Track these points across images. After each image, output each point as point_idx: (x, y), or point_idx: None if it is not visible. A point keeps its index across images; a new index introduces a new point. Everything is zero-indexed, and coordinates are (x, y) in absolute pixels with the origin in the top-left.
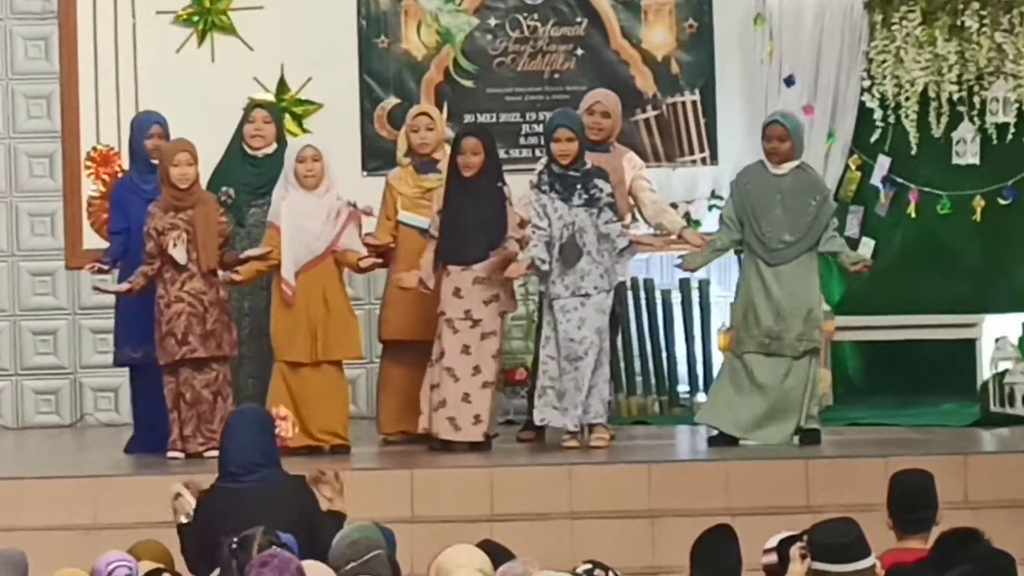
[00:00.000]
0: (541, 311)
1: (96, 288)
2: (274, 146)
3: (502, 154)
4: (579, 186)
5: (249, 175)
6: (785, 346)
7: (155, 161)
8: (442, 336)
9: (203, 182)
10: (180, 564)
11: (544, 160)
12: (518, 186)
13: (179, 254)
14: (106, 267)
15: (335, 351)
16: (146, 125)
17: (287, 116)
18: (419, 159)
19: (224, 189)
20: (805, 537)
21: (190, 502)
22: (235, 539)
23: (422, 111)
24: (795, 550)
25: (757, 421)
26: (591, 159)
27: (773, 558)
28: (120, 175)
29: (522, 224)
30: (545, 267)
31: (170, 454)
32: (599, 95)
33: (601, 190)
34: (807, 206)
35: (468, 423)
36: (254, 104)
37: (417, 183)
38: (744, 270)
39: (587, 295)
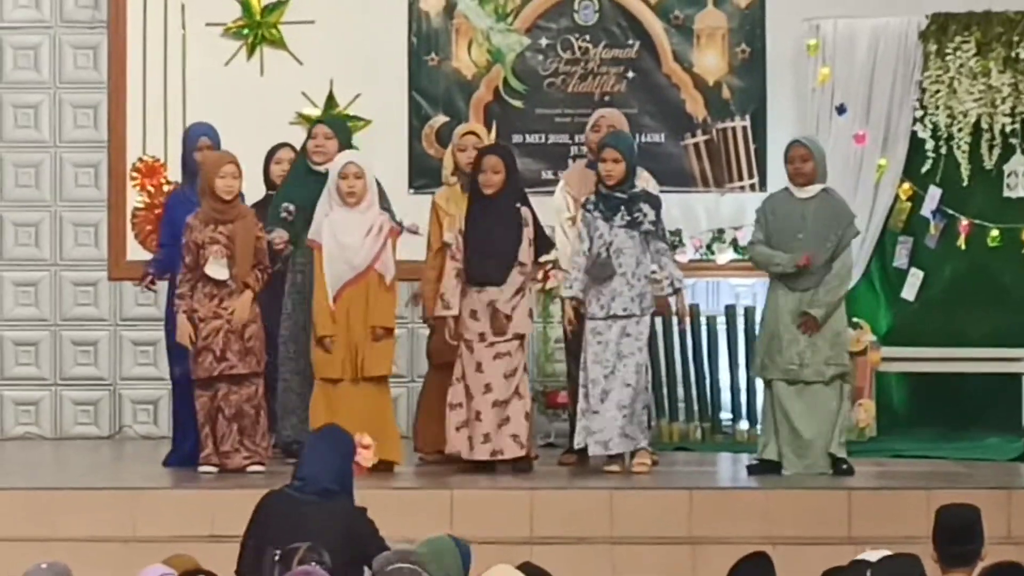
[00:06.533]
0: (577, 335)
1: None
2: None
3: (550, 175)
4: (623, 207)
5: (312, 191)
6: (812, 372)
7: None
8: (462, 355)
9: (253, 197)
10: None
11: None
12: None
13: (219, 271)
14: (154, 279)
15: (372, 368)
16: (195, 138)
17: None
18: (466, 178)
19: (285, 205)
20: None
21: None
22: (279, 551)
23: (470, 130)
24: None
25: (789, 449)
26: (592, 174)
27: None
28: (169, 187)
29: (548, 243)
30: (576, 302)
31: (202, 468)
32: (604, 112)
33: (645, 215)
34: (831, 232)
35: (478, 441)
36: (316, 120)
37: (464, 203)
38: (769, 296)
39: (615, 317)
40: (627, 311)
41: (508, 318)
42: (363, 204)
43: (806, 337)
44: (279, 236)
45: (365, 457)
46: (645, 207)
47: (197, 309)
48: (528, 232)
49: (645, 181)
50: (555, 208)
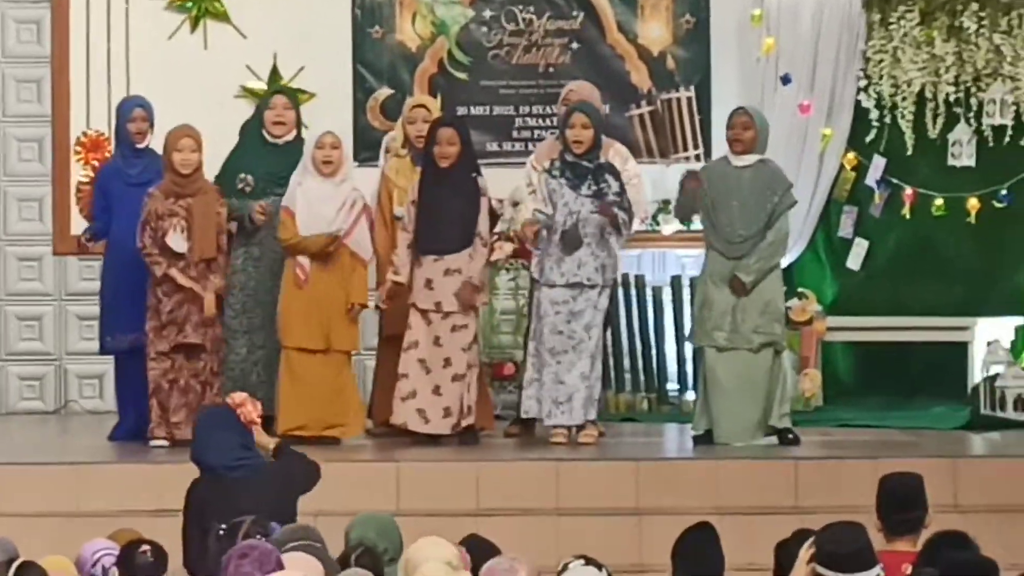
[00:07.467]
0: (531, 305)
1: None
2: (294, 132)
3: (495, 147)
4: (589, 177)
5: (270, 162)
6: (741, 339)
7: (139, 145)
8: (413, 326)
9: (213, 170)
10: None
11: (537, 154)
12: (511, 179)
13: (177, 243)
14: (91, 240)
15: (339, 341)
16: (128, 109)
17: None
18: (416, 151)
19: (242, 176)
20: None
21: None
22: (223, 526)
23: (419, 103)
24: (804, 552)
25: (726, 419)
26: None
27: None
28: (108, 160)
29: (493, 215)
30: (544, 217)
31: (152, 442)
32: (573, 85)
33: (609, 186)
34: (766, 200)
35: (438, 416)
36: (273, 90)
37: (414, 175)
38: (704, 263)
39: (581, 286)
40: (591, 281)
41: (478, 288)
42: (338, 176)
43: (736, 304)
44: (258, 206)
45: (246, 413)
46: (610, 178)
47: (160, 282)
48: (485, 202)
49: (617, 153)
50: (524, 180)
